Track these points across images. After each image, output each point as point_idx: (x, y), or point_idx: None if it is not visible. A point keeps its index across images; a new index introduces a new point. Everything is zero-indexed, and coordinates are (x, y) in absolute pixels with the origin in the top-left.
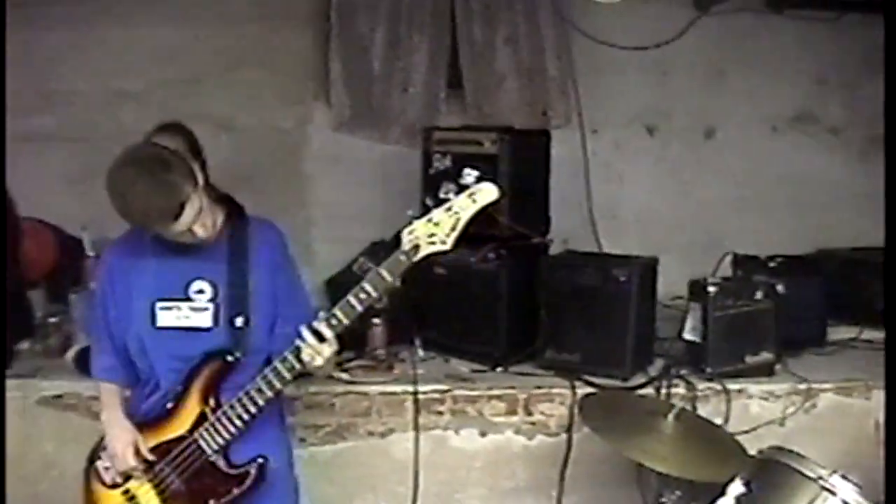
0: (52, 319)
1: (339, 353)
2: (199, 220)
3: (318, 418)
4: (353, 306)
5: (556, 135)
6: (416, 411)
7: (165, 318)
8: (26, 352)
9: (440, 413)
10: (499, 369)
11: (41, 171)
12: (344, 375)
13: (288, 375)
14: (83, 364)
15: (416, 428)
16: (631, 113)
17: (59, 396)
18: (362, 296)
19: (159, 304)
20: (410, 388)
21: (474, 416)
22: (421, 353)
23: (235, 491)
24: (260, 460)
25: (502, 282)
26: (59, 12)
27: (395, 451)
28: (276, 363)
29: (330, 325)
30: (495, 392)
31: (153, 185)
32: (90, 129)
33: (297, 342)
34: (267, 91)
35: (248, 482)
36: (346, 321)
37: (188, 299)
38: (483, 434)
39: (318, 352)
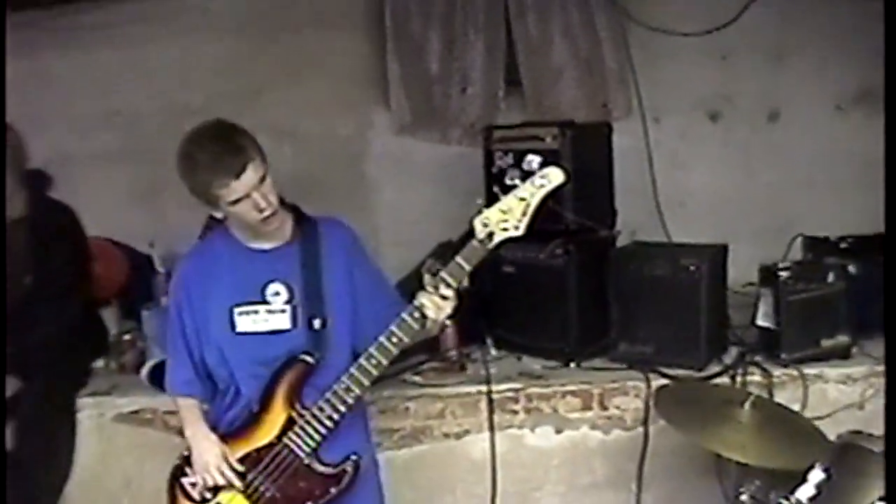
0: (126, 336)
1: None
2: (261, 189)
3: (392, 422)
4: (447, 282)
5: (617, 126)
6: (491, 411)
7: (244, 323)
8: (101, 369)
9: (515, 412)
10: (572, 365)
11: (108, 190)
12: (417, 378)
13: (394, 350)
14: (158, 379)
15: (492, 428)
16: (692, 99)
17: (136, 412)
18: (442, 286)
19: (237, 310)
20: (484, 388)
21: (549, 413)
22: (493, 351)
23: (333, 490)
24: (354, 457)
25: (571, 277)
26: (118, 32)
27: (472, 451)
28: (381, 340)
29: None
30: (569, 388)
31: (220, 143)
32: (154, 145)
33: (405, 314)
34: (327, 98)
35: (346, 480)
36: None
37: (265, 302)
38: (559, 431)
39: (440, 307)
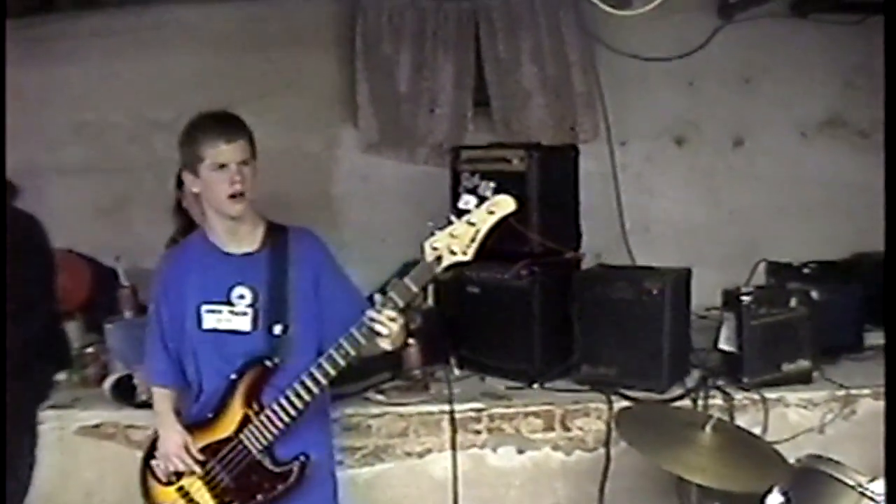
0: (89, 350)
1: (406, 329)
2: (243, 168)
3: (355, 440)
4: (395, 303)
5: (584, 149)
6: (454, 430)
7: (209, 320)
8: (64, 382)
9: (477, 432)
10: (535, 386)
11: (74, 203)
12: (380, 396)
13: (341, 361)
14: (120, 393)
15: (454, 447)
16: (659, 124)
17: (98, 426)
18: (390, 305)
19: (204, 307)
20: (447, 408)
21: (511, 433)
22: (456, 371)
23: (280, 487)
24: (302, 458)
25: (535, 298)
26: (88, 44)
27: (434, 470)
28: (330, 351)
29: (390, 308)
30: (532, 409)
31: (223, 115)
32: (122, 159)
33: (354, 329)
34: (296, 116)
35: (292, 479)
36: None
37: (230, 303)
38: (521, 451)
39: (387, 325)
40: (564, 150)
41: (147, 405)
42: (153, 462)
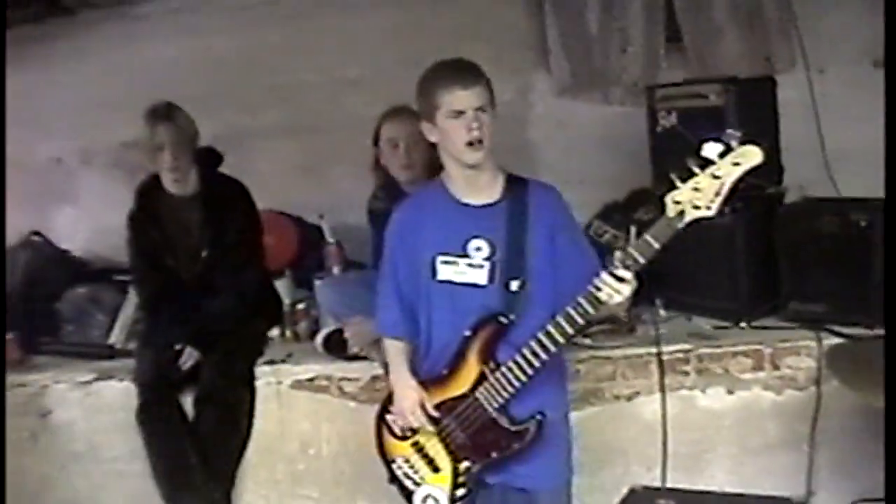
0: (299, 306)
1: (637, 293)
2: (480, 115)
3: None
4: (634, 259)
5: (781, 80)
6: (661, 372)
7: (444, 271)
8: (277, 338)
9: (685, 373)
10: (742, 324)
11: (276, 164)
12: (587, 340)
13: (579, 320)
14: (332, 347)
15: (662, 389)
16: (858, 48)
17: (312, 379)
18: (629, 262)
19: (440, 258)
20: (654, 350)
21: (720, 373)
22: (662, 312)
23: (516, 446)
24: (539, 417)
25: (739, 234)
26: (281, 9)
27: (643, 413)
28: (568, 309)
29: (626, 266)
30: (740, 348)
31: (461, 63)
32: (318, 118)
33: (591, 287)
34: (487, 64)
35: (528, 438)
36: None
37: (466, 255)
38: (730, 392)
39: (616, 290)
40: (761, 81)
41: (358, 358)
42: (388, 417)
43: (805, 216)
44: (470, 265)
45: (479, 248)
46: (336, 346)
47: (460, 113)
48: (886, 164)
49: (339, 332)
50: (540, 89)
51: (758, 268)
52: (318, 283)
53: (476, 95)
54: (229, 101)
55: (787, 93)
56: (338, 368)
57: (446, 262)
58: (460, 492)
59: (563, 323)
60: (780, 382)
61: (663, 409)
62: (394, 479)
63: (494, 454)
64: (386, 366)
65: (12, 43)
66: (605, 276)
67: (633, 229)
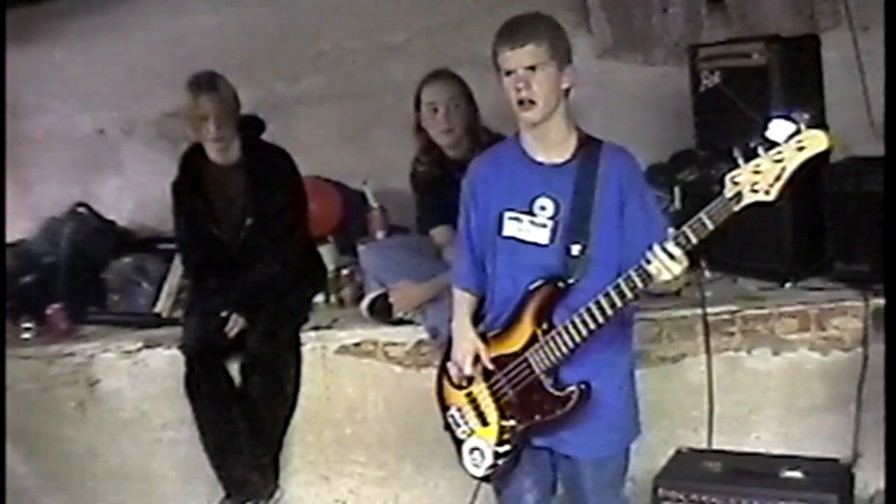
0: (344, 271)
1: (690, 268)
2: (531, 74)
3: None
4: (688, 239)
5: (825, 38)
6: (707, 334)
7: (510, 227)
8: (322, 304)
9: (731, 334)
10: (787, 285)
11: (318, 130)
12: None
13: (629, 293)
14: (377, 312)
15: (708, 351)
16: None
17: (358, 344)
18: (682, 241)
19: (507, 214)
20: (699, 311)
21: (766, 334)
22: (708, 274)
23: (559, 412)
24: (583, 386)
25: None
26: None
27: (689, 375)
28: (619, 281)
29: (678, 244)
30: (786, 309)
31: (519, 19)
32: (360, 84)
33: (643, 261)
34: None
35: (570, 405)
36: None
37: (531, 213)
38: (776, 353)
39: (667, 267)
40: (805, 40)
41: (403, 322)
42: (448, 364)
43: (850, 175)
44: (533, 223)
45: (543, 207)
46: (381, 311)
47: (510, 72)
48: (886, 167)
49: (384, 296)
50: (581, 50)
51: (803, 228)
52: (361, 248)
53: (526, 54)
54: (271, 68)
55: (831, 52)
56: (383, 333)
57: (512, 218)
58: (503, 448)
59: (613, 294)
60: (826, 343)
61: (709, 371)
62: (448, 426)
63: (538, 417)
64: (431, 330)
65: (52, 17)
66: (657, 249)
67: (676, 191)
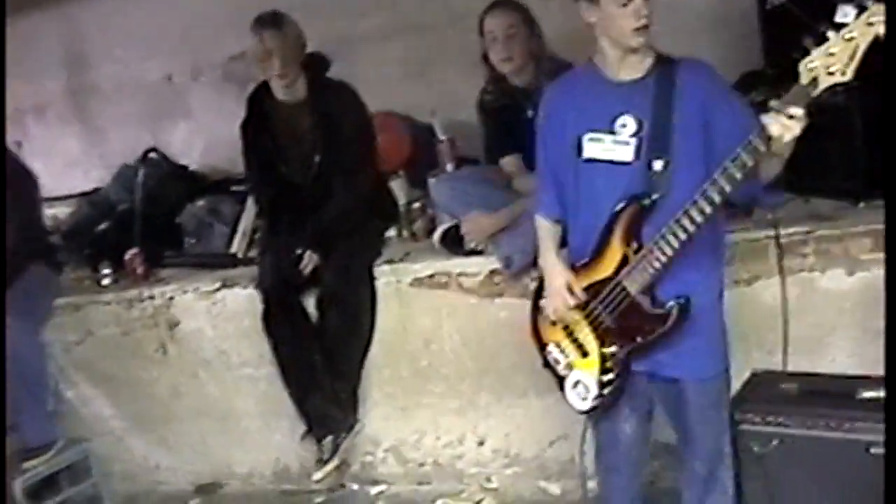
0: (415, 205)
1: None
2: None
3: None
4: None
5: None
6: (780, 255)
7: (590, 149)
8: (394, 238)
9: (805, 255)
10: (861, 204)
11: (384, 65)
12: None
13: (738, 174)
14: (449, 243)
15: (782, 272)
16: None
17: (432, 276)
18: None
19: (587, 136)
20: (772, 232)
21: (840, 255)
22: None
23: (659, 330)
24: (681, 301)
25: (855, 114)
26: None
27: (763, 297)
28: (715, 176)
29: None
30: (860, 228)
31: None
32: (424, 17)
33: (751, 137)
34: None
35: (670, 322)
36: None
37: (612, 132)
38: (851, 273)
39: (787, 127)
40: None
41: (476, 253)
42: (541, 301)
43: None
44: (616, 142)
45: (625, 125)
46: (453, 242)
47: (629, 2)
48: (885, 165)
49: (456, 228)
50: None
51: (875, 146)
52: (432, 180)
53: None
54: (335, 5)
55: None
56: (456, 264)
57: (593, 140)
58: (607, 377)
59: (710, 191)
60: None
61: (783, 293)
62: (547, 364)
63: (639, 339)
64: (505, 259)
65: None
66: (773, 112)
67: None
